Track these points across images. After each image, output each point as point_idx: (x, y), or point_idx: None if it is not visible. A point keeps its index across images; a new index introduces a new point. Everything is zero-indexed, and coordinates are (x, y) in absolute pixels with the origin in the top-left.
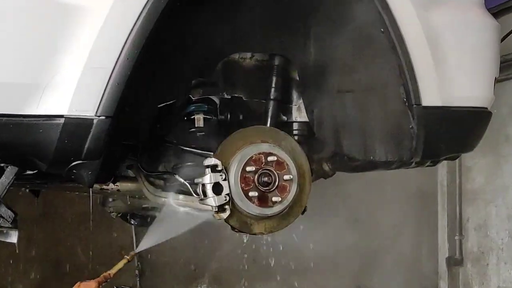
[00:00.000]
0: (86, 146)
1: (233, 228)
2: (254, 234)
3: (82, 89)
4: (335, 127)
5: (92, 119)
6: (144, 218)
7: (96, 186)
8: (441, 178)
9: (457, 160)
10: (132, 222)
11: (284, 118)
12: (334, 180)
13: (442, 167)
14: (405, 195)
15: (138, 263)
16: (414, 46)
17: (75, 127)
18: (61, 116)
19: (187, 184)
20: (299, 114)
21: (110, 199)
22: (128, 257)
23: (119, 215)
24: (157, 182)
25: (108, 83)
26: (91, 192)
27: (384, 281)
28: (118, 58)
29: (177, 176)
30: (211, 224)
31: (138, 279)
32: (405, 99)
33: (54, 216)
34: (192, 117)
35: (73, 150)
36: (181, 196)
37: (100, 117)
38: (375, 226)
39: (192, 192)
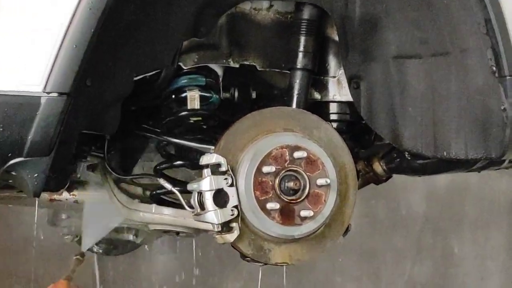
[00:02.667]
0: (31, 136)
1: (243, 257)
2: (274, 264)
3: (24, 54)
4: (392, 109)
5: (39, 97)
6: (111, 243)
7: (44, 195)
8: None
9: None
10: (95, 250)
11: (318, 96)
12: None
13: None
14: (491, 211)
15: None
16: None
17: (15, 109)
18: None
19: (176, 191)
20: (338, 91)
21: (63, 216)
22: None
23: (75, 239)
24: (132, 190)
25: (61, 44)
26: (36, 205)
27: None
28: (76, 8)
29: (162, 181)
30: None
31: None
32: (494, 69)
33: None
34: (183, 95)
35: (11, 142)
36: (167, 210)
37: (51, 95)
38: (450, 258)
39: (184, 203)
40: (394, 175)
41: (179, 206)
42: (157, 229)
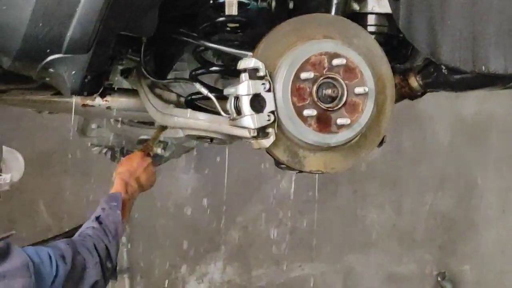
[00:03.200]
0: (70, 32)
1: (277, 164)
2: (308, 172)
3: None
4: (431, 22)
5: None
6: None
7: (77, 100)
8: None
9: None
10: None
11: (356, 7)
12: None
13: None
14: None
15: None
16: None
17: (54, 4)
18: None
19: (211, 96)
20: (377, 2)
21: (93, 125)
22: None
23: (104, 151)
24: (166, 96)
25: None
26: (73, 107)
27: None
28: None
29: (197, 85)
30: None
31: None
32: None
33: None
34: (221, 0)
35: (51, 38)
36: (201, 116)
37: None
38: (473, 190)
39: (219, 109)
40: (422, 103)
41: (213, 112)
42: (191, 135)
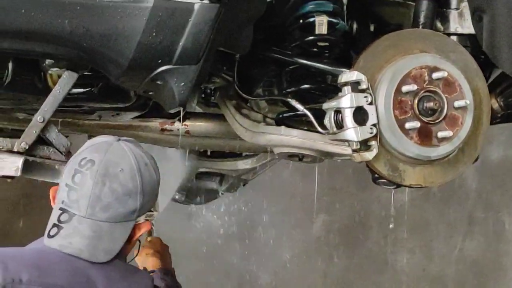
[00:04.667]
0: (182, 43)
1: (375, 179)
2: (408, 186)
3: None
4: None
5: (193, 4)
6: (192, 191)
7: (156, 125)
8: None
9: None
10: (178, 197)
11: (440, 27)
12: None
13: None
14: None
15: None
16: None
17: (168, 13)
18: None
19: (307, 112)
20: (461, 23)
21: None
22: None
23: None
24: (252, 116)
25: None
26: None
27: None
28: None
29: (293, 102)
30: None
31: None
32: None
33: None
34: (311, 19)
35: (163, 48)
36: (296, 132)
37: (204, 1)
38: (502, 234)
39: (316, 124)
40: None
41: (309, 127)
42: (283, 152)
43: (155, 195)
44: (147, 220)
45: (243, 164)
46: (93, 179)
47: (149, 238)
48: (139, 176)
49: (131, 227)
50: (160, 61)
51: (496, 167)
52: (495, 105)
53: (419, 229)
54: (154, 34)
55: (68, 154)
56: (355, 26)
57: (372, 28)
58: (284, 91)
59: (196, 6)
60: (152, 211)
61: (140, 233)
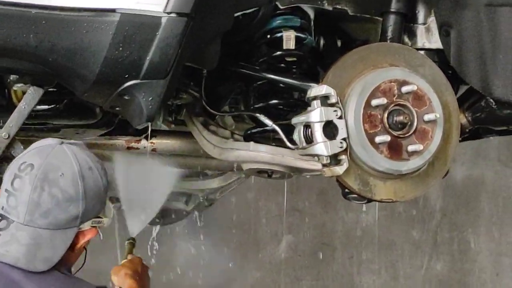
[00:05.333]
0: (149, 57)
1: (346, 194)
2: (379, 200)
3: None
4: (482, 57)
5: (160, 18)
6: (159, 212)
7: (121, 143)
8: None
9: None
10: None
11: (408, 42)
12: None
13: None
14: (506, 208)
15: None
16: None
17: (135, 28)
18: (114, 11)
19: (277, 128)
20: (428, 38)
21: None
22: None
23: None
24: (220, 133)
25: None
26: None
27: None
28: None
29: (262, 117)
30: None
31: None
32: None
33: None
34: (279, 35)
35: (130, 62)
36: (265, 148)
37: (171, 15)
38: (467, 253)
39: (285, 139)
40: None
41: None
42: (252, 169)
43: (101, 201)
44: (93, 227)
45: (209, 183)
46: (32, 184)
47: (129, 257)
48: (81, 181)
49: (73, 234)
50: (127, 75)
51: (460, 187)
52: (463, 120)
53: (384, 249)
54: (120, 48)
55: None
56: (322, 41)
57: (339, 43)
58: (252, 107)
59: (164, 20)
60: (101, 218)
61: (85, 240)
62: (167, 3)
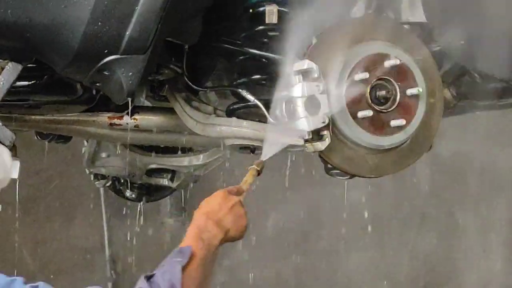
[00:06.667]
0: (129, 32)
1: (328, 170)
2: (362, 176)
3: None
4: (467, 30)
5: None
6: (144, 188)
7: (104, 120)
8: None
9: None
10: (128, 195)
11: (392, 15)
12: None
13: None
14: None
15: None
16: None
17: (114, 2)
18: None
19: (259, 103)
20: (412, 12)
21: (104, 154)
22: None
23: (107, 184)
24: (202, 109)
25: None
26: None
27: None
28: None
29: (244, 92)
30: None
31: None
32: None
33: None
34: (261, 9)
35: (109, 37)
36: (247, 123)
37: None
38: (454, 230)
39: (267, 114)
40: None
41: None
42: (234, 144)
43: None
44: None
45: (194, 160)
46: None
47: (245, 186)
48: None
49: None
50: (106, 51)
51: (448, 163)
52: (448, 95)
53: (372, 225)
54: (99, 23)
55: (13, 148)
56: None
57: None
58: (234, 82)
59: None
60: None
61: None
62: None
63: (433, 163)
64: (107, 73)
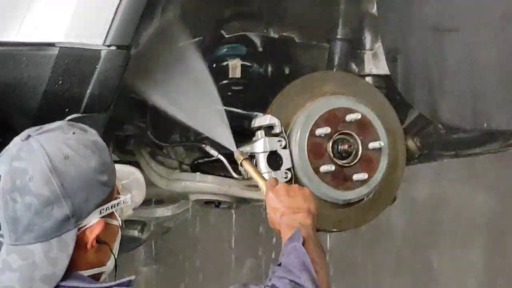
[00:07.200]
0: (89, 90)
1: None
2: (326, 230)
3: (85, 5)
4: (429, 82)
5: (99, 50)
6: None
7: None
8: None
9: None
10: None
11: (355, 68)
12: None
13: None
14: (469, 228)
15: None
16: None
17: (74, 61)
18: (53, 45)
19: (222, 158)
20: (375, 64)
21: None
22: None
23: None
24: (168, 163)
25: None
26: None
27: None
28: None
29: (208, 147)
30: None
31: None
32: None
33: None
34: (225, 63)
35: (70, 96)
36: (212, 178)
37: (111, 48)
38: (429, 273)
39: (231, 170)
40: None
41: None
42: (199, 199)
43: (96, 186)
44: (107, 215)
45: (163, 211)
46: (2, 198)
47: None
48: (56, 177)
49: (73, 237)
50: (67, 109)
51: (423, 206)
52: (412, 146)
53: (347, 270)
54: (60, 82)
55: None
56: (270, 68)
57: (287, 70)
58: (198, 137)
59: (103, 53)
60: (119, 197)
61: (93, 235)
62: (107, 35)
63: (408, 206)
64: None
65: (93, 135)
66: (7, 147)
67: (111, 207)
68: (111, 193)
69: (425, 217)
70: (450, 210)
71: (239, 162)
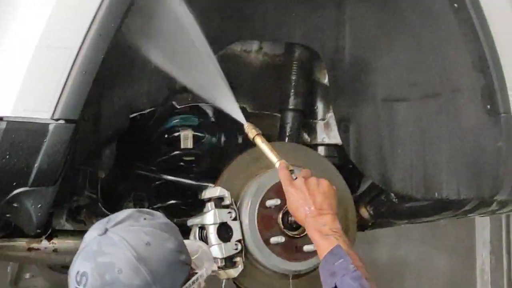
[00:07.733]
0: (37, 164)
1: None
2: None
3: (33, 80)
4: (381, 152)
5: (47, 124)
6: None
7: (22, 244)
8: (481, 262)
9: (504, 236)
10: None
11: (307, 138)
12: None
13: (483, 247)
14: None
15: None
16: (501, 27)
17: (22, 135)
18: (1, 119)
19: None
20: (327, 133)
21: (27, 275)
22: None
23: None
24: None
25: (71, 70)
26: None
27: None
28: (86, 34)
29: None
30: None
31: None
32: (489, 107)
33: None
34: (177, 134)
35: (17, 170)
36: None
37: (59, 122)
38: None
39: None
40: None
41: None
42: None
43: (179, 266)
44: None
45: None
46: None
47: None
48: (143, 265)
49: None
50: (15, 183)
51: (385, 268)
52: (365, 214)
53: None
54: (7, 156)
55: None
56: (223, 138)
57: (240, 140)
58: (151, 207)
59: (51, 127)
60: (195, 272)
61: None
62: (55, 110)
63: (370, 268)
64: (16, 205)
65: (160, 217)
66: (82, 244)
67: (192, 283)
68: (191, 270)
69: (385, 280)
70: (411, 271)
71: (251, 137)
